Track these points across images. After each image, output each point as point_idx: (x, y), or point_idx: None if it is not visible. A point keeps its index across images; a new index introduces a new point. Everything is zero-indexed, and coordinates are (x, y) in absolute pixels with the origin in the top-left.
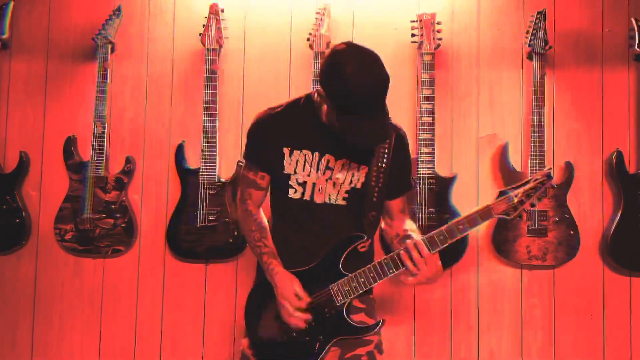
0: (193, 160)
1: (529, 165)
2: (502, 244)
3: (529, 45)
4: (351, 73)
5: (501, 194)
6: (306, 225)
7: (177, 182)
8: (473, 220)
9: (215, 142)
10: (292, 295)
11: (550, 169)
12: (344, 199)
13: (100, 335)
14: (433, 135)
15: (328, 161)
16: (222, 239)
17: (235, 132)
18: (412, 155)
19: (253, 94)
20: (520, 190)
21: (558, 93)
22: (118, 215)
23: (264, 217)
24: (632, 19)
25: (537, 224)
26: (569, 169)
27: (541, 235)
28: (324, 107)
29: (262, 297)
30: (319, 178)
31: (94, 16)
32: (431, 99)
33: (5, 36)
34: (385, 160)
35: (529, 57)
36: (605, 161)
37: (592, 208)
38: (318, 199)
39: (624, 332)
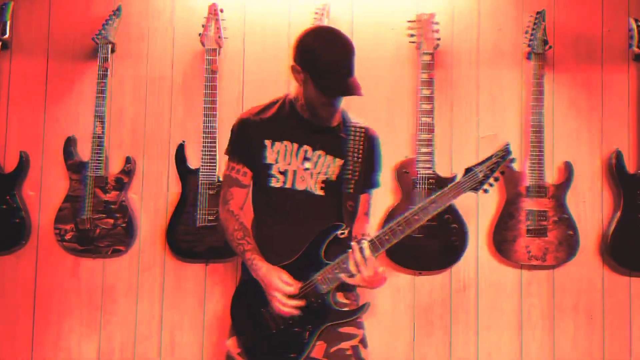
0: (193, 160)
1: (529, 165)
2: (502, 243)
3: (529, 46)
4: (320, 41)
5: (467, 171)
6: (288, 213)
7: (177, 182)
8: (445, 198)
9: (215, 142)
10: (281, 284)
11: (508, 143)
12: (321, 188)
13: (99, 335)
14: (432, 136)
15: (306, 151)
16: (222, 239)
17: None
18: (412, 155)
19: (253, 94)
20: (484, 166)
21: (557, 93)
22: (118, 215)
23: (245, 217)
24: (631, 19)
25: (536, 224)
26: (568, 169)
27: (541, 235)
28: (301, 86)
29: (247, 294)
30: (299, 168)
31: (93, 16)
32: (430, 99)
33: (5, 36)
34: (359, 155)
35: (529, 57)
36: (604, 161)
37: (592, 208)
38: (300, 186)
39: (624, 332)
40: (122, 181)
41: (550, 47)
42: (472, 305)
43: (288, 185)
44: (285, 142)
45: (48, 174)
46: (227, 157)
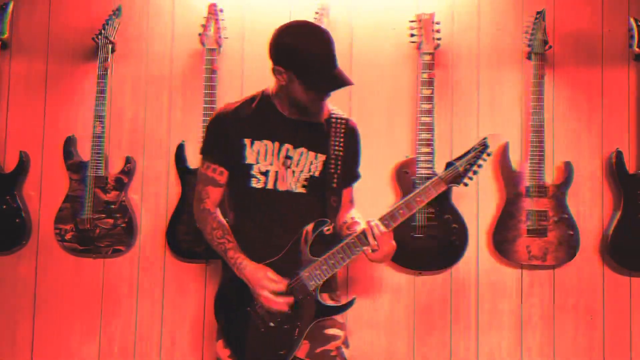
0: (193, 160)
1: (529, 165)
2: (502, 243)
3: (529, 46)
4: (302, 38)
5: (448, 165)
6: (269, 214)
7: (177, 182)
8: (427, 192)
9: None
10: (268, 282)
11: (485, 138)
12: (303, 186)
13: (100, 335)
14: (432, 135)
15: (288, 150)
16: None
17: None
18: (412, 155)
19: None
20: (464, 160)
21: (558, 93)
22: (118, 215)
23: (221, 215)
24: (631, 19)
25: (537, 224)
26: (568, 169)
27: (541, 235)
28: (285, 85)
29: (230, 294)
30: (280, 167)
31: (93, 16)
32: (430, 98)
33: (5, 36)
34: (340, 148)
35: (529, 57)
36: (605, 161)
37: (592, 208)
38: (281, 187)
39: (624, 332)
40: (122, 181)
41: (550, 47)
42: (472, 305)
43: (269, 186)
44: (265, 141)
45: (48, 174)
46: (201, 155)
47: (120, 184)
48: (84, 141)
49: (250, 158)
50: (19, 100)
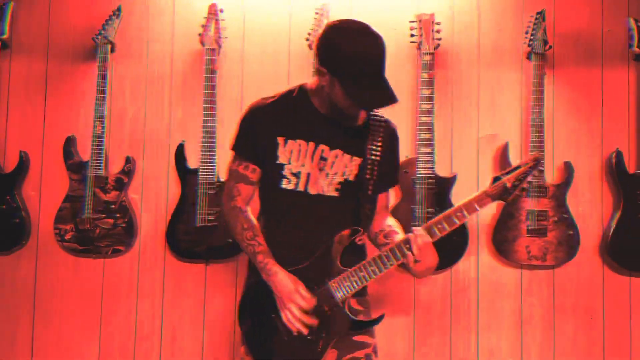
0: (193, 160)
1: None
2: (502, 243)
3: (529, 46)
4: (351, 41)
5: (495, 179)
6: (299, 217)
7: (177, 182)
8: (471, 207)
9: (214, 142)
10: (297, 299)
11: (538, 156)
12: (336, 190)
13: (100, 335)
14: (432, 135)
15: (322, 151)
16: (221, 239)
17: (234, 132)
18: (412, 155)
19: (252, 94)
20: (513, 175)
21: (558, 93)
22: (118, 215)
23: (251, 214)
24: (631, 19)
25: (536, 224)
26: (568, 168)
27: (541, 235)
28: (326, 88)
29: (256, 298)
30: (314, 169)
31: (93, 16)
32: (430, 98)
33: (5, 36)
34: (378, 152)
35: (529, 57)
36: (604, 161)
37: (592, 208)
38: (312, 190)
39: (624, 332)
40: (122, 181)
41: (550, 47)
42: (472, 305)
43: (300, 188)
44: (299, 141)
45: (48, 174)
46: (233, 151)
47: (120, 184)
48: (84, 141)
49: (282, 158)
50: (19, 100)
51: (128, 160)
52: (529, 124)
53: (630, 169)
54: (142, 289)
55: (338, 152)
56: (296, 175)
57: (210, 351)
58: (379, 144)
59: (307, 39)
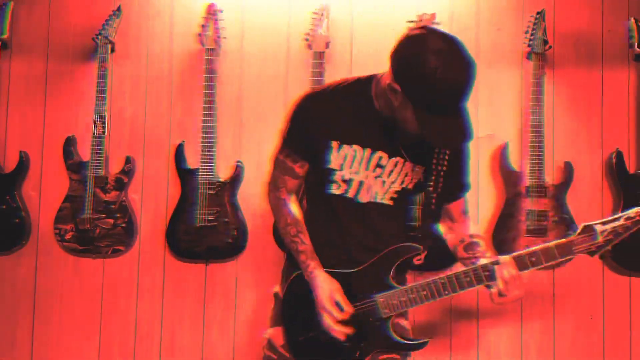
0: (192, 160)
1: (529, 165)
2: (502, 244)
3: (529, 45)
4: (435, 63)
5: (585, 228)
6: (348, 223)
7: (176, 182)
8: (551, 254)
9: (213, 142)
10: (333, 306)
11: None
12: (391, 198)
13: (100, 335)
14: None
15: (380, 158)
16: (221, 239)
17: (233, 132)
18: None
19: (251, 94)
20: (609, 227)
21: (558, 93)
22: (118, 215)
23: (298, 206)
24: (632, 19)
25: (536, 224)
26: (568, 169)
27: (541, 235)
28: (395, 102)
29: (303, 289)
30: (368, 177)
31: (93, 16)
32: None
33: (5, 36)
34: (444, 162)
35: (529, 57)
36: (605, 161)
37: (592, 208)
38: (364, 198)
39: (624, 332)
40: (122, 181)
41: (550, 47)
42: (472, 305)
43: (350, 195)
44: (355, 147)
45: (48, 174)
46: (281, 140)
47: (120, 184)
48: (84, 141)
49: (334, 163)
50: (19, 100)
51: (128, 160)
52: (528, 123)
53: (631, 169)
54: (142, 289)
55: (398, 159)
56: (347, 182)
57: (211, 351)
58: (445, 152)
59: (306, 39)
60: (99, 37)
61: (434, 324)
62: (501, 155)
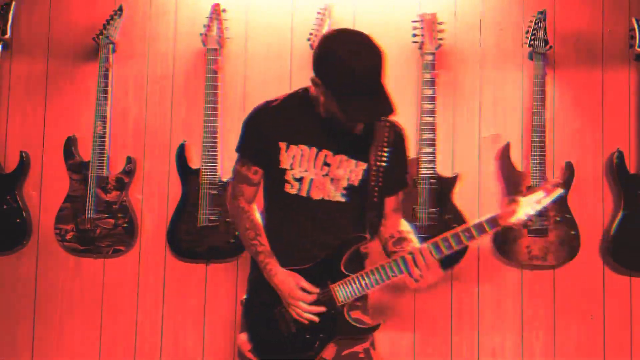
0: (194, 160)
1: (531, 165)
2: (503, 244)
3: (530, 45)
4: (344, 54)
5: (510, 200)
6: (302, 222)
7: (178, 182)
8: (480, 227)
9: (216, 142)
10: (299, 294)
11: (559, 182)
12: (342, 195)
13: (100, 335)
14: (434, 135)
15: (325, 156)
16: (222, 239)
17: (236, 132)
18: (413, 155)
19: (254, 94)
20: (529, 199)
21: (559, 93)
22: (119, 215)
23: (257, 213)
24: (633, 19)
25: (538, 224)
26: (569, 168)
27: (542, 235)
28: (321, 97)
29: (260, 291)
30: (317, 174)
31: (95, 16)
32: (432, 98)
33: (6, 36)
34: (384, 157)
35: (530, 57)
36: (606, 161)
37: (593, 208)
38: (316, 196)
39: (625, 332)
40: (123, 181)
41: (551, 47)
42: (473, 306)
43: (302, 194)
44: (301, 146)
45: (48, 174)
46: (237, 153)
47: (121, 184)
48: (85, 141)
49: (285, 163)
50: (20, 100)
51: (129, 160)
52: (530, 123)
53: (631, 169)
54: (143, 289)
55: (342, 157)
56: (299, 180)
57: (211, 351)
58: (384, 148)
59: (309, 39)
60: (101, 36)
61: (434, 323)
62: (503, 155)
